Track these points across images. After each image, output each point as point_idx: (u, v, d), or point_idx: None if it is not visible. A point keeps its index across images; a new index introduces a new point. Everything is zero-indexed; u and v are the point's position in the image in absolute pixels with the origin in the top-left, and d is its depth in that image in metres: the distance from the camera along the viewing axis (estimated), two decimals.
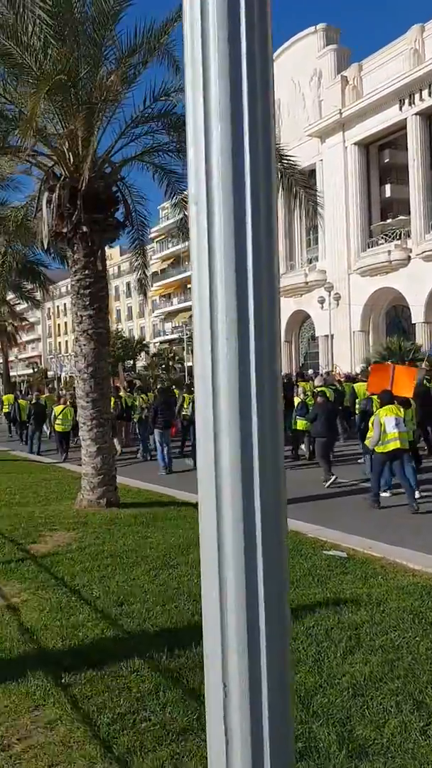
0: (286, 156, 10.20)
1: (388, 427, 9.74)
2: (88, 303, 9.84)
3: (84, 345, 9.89)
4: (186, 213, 11.98)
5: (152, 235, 59.21)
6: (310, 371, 36.14)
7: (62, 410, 17.20)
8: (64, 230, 9.67)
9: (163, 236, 64.14)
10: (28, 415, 20.24)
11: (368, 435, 10.37)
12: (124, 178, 10.57)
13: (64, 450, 17.43)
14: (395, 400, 10.33)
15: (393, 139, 40.76)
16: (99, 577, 6.38)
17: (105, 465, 9.95)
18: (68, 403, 17.21)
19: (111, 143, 9.89)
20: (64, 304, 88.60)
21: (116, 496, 10.13)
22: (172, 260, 66.21)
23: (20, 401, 22.88)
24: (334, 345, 41.74)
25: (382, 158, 42.52)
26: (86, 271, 9.82)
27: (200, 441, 1.13)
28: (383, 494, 10.23)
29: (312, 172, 39.22)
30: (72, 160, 9.61)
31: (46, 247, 10.10)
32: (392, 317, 42.52)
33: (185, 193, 11.81)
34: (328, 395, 13.82)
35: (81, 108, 8.80)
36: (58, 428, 17.47)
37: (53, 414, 17.56)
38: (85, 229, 9.55)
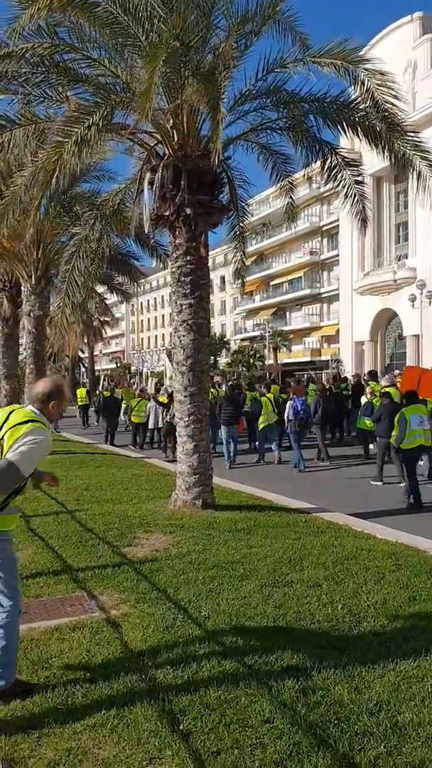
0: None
1: (413, 424, 10.31)
2: (188, 291, 9.23)
3: (183, 336, 9.29)
4: (292, 197, 11.24)
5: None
6: (396, 371, 34.84)
7: (138, 403, 19.16)
8: (166, 213, 9.09)
9: (247, 233, 63.44)
10: (102, 407, 21.90)
11: (393, 433, 10.82)
12: (229, 158, 9.90)
13: (137, 443, 19.39)
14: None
15: None
16: (205, 592, 5.70)
17: (202, 464, 9.32)
18: (145, 396, 19.53)
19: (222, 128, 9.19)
20: (147, 300, 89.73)
21: (212, 497, 9.49)
22: (255, 257, 65.45)
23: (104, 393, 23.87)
24: (422, 345, 39.97)
25: None
26: (188, 257, 9.21)
27: None
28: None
29: None
30: (176, 137, 9.01)
31: (147, 230, 9.54)
32: None
33: (292, 176, 11.06)
34: (393, 396, 13.01)
35: (192, 78, 8.16)
36: (134, 419, 19.35)
37: (129, 406, 19.52)
38: (188, 211, 8.93)
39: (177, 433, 9.63)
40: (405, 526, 8.57)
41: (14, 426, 3.77)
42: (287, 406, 15.09)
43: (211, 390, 17.59)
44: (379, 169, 36.24)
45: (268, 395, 16.43)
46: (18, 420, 3.81)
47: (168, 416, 15.80)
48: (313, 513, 9.24)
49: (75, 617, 5.29)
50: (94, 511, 9.41)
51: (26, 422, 3.78)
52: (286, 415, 14.96)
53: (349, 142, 13.75)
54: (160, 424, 18.69)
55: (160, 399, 19.38)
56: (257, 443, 16.55)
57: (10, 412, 3.92)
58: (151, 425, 19.71)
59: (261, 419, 15.56)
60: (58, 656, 4.54)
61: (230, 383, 21.28)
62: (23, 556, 7.12)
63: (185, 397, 9.30)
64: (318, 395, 16.18)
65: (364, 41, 9.58)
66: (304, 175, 13.01)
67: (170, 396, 16.03)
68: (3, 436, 3.78)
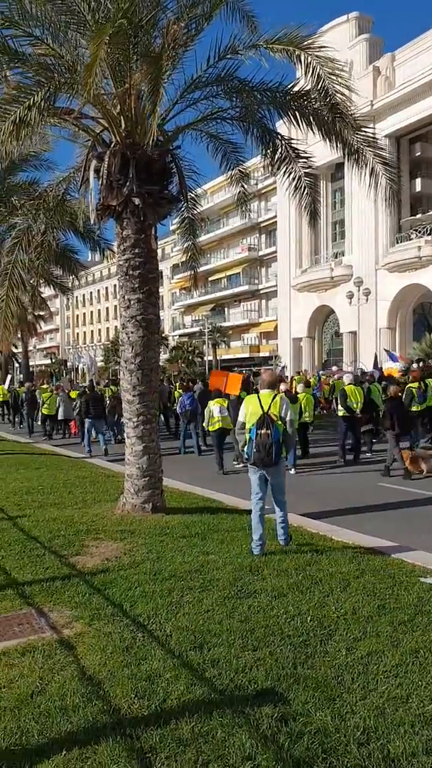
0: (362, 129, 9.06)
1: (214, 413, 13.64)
2: (137, 285, 8.81)
3: (131, 332, 8.87)
4: (244, 186, 10.96)
5: (172, 227, 57.88)
6: (334, 368, 35.15)
7: (48, 397, 21.63)
8: (114, 203, 8.63)
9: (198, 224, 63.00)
10: (22, 402, 25.18)
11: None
12: (179, 147, 9.52)
13: (46, 432, 22.08)
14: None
15: (425, 132, 39.50)
16: (164, 606, 5.35)
17: (152, 466, 8.93)
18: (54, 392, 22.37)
19: (167, 107, 8.82)
20: (83, 294, 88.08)
21: (163, 500, 9.12)
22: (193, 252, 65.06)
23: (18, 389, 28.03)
24: (359, 342, 40.58)
25: (413, 151, 41.26)
26: (136, 250, 8.79)
27: None
28: None
29: (340, 165, 37.84)
30: (124, 124, 8.56)
31: (93, 221, 9.05)
32: (419, 315, 41.28)
33: (243, 165, 10.77)
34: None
35: (140, 60, 7.75)
36: (44, 411, 21.86)
37: (41, 400, 22.01)
38: (137, 202, 8.51)
39: (125, 434, 9.20)
40: (356, 525, 8.43)
41: None
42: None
43: (111, 387, 21.56)
44: (317, 166, 36.47)
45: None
46: None
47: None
48: (266, 514, 8.96)
49: (24, 638, 4.86)
50: (37, 517, 8.91)
51: None
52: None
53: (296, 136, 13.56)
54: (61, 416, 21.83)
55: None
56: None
57: None
58: (60, 416, 21.93)
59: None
60: (8, 686, 4.11)
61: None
62: None
63: (134, 396, 8.89)
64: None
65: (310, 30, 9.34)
66: (245, 169, 12.79)
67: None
68: None
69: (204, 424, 13.98)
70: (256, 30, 8.60)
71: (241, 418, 7.11)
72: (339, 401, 14.50)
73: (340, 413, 14.31)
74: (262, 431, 6.75)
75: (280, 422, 6.88)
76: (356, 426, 14.57)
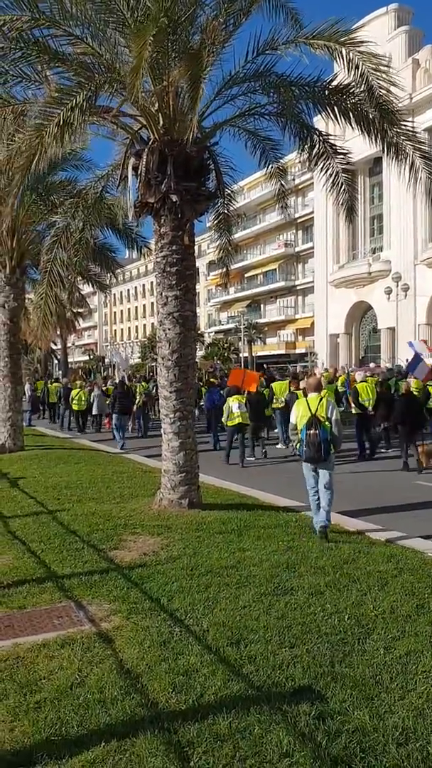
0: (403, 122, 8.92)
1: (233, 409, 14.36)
2: (174, 282, 8.85)
3: (168, 329, 8.91)
4: (282, 183, 10.91)
5: (208, 224, 57.83)
6: (372, 364, 34.81)
7: (78, 393, 22.30)
8: (151, 200, 8.68)
9: (233, 221, 62.96)
10: (58, 397, 26.01)
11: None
12: (216, 143, 9.52)
13: (80, 427, 22.95)
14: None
15: None
16: (201, 601, 5.37)
17: (188, 462, 8.97)
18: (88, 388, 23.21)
19: (205, 103, 8.81)
20: (121, 291, 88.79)
21: (199, 496, 9.16)
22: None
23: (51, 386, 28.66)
24: (397, 338, 40.05)
25: None
26: (173, 247, 8.82)
27: None
28: None
29: (378, 160, 37.36)
30: (162, 121, 8.59)
31: (131, 218, 9.12)
32: None
33: (281, 162, 10.72)
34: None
35: (179, 58, 7.76)
36: (74, 407, 22.60)
37: (71, 396, 22.62)
38: (174, 198, 8.54)
39: (162, 430, 9.26)
40: (395, 524, 8.35)
41: None
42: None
43: (142, 383, 22.69)
44: (354, 161, 36.07)
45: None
46: None
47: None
48: (302, 511, 8.95)
49: (63, 631, 4.94)
50: (76, 511, 9.02)
51: None
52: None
53: (333, 131, 13.44)
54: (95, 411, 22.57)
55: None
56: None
57: None
58: (94, 411, 22.67)
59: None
60: (48, 677, 4.18)
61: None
62: (2, 561, 6.75)
63: (171, 393, 8.94)
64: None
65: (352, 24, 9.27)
66: (283, 165, 12.74)
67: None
68: None
69: (223, 420, 14.72)
70: (297, 24, 8.51)
71: (293, 421, 7.91)
72: (351, 399, 15.01)
73: (354, 411, 14.79)
74: (311, 431, 7.50)
75: (327, 423, 7.57)
76: (370, 423, 14.96)
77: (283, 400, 15.99)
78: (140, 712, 3.70)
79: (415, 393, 14.32)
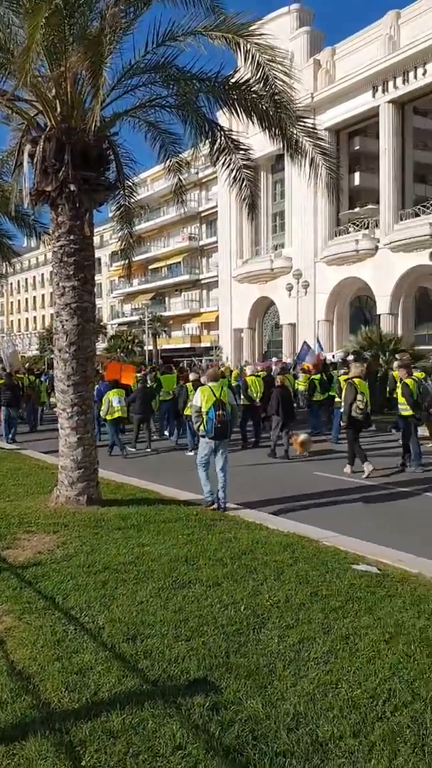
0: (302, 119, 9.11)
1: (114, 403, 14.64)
2: (71, 272, 8.64)
3: (66, 320, 8.70)
4: (180, 177, 10.89)
5: (111, 214, 56.82)
6: (274, 359, 35.49)
7: None
8: (48, 189, 8.44)
9: (134, 212, 62.21)
10: None
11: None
12: (116, 133, 9.37)
13: None
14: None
15: (364, 126, 40.15)
16: (98, 599, 5.30)
17: (86, 457, 8.82)
18: None
19: (106, 92, 8.61)
20: (18, 281, 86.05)
21: (98, 492, 9.02)
22: (133, 240, 64.32)
23: None
24: (298, 333, 41.05)
25: (352, 145, 41.85)
26: (71, 236, 8.61)
27: None
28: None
29: (281, 157, 38.07)
30: (59, 108, 8.36)
31: (27, 206, 8.82)
32: (356, 307, 42.06)
33: (180, 156, 10.69)
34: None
35: (77, 43, 7.56)
36: None
37: None
38: (72, 188, 8.33)
39: (59, 425, 9.04)
40: (290, 514, 8.57)
41: None
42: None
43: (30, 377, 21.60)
44: (256, 157, 36.59)
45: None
46: None
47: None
48: (203, 505, 9.00)
49: None
50: None
51: None
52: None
53: (236, 128, 13.56)
54: None
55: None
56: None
57: None
58: None
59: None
60: None
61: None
62: None
63: (68, 386, 8.74)
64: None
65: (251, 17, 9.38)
66: (182, 160, 12.74)
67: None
68: None
69: (101, 414, 14.62)
70: (197, 17, 8.49)
71: (197, 404, 8.77)
72: (242, 391, 15.88)
73: (243, 402, 15.48)
74: (220, 412, 8.57)
75: (228, 405, 8.75)
76: (256, 413, 15.88)
77: (171, 392, 16.42)
78: (31, 714, 3.60)
79: (288, 386, 15.30)
